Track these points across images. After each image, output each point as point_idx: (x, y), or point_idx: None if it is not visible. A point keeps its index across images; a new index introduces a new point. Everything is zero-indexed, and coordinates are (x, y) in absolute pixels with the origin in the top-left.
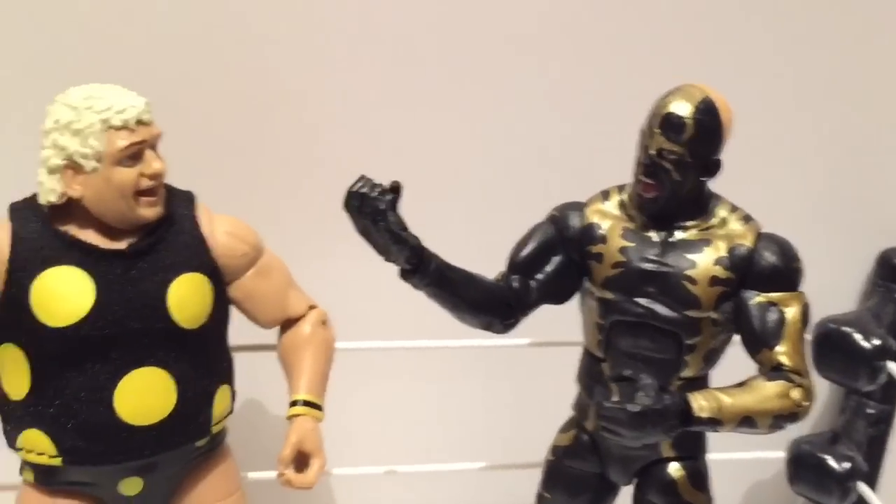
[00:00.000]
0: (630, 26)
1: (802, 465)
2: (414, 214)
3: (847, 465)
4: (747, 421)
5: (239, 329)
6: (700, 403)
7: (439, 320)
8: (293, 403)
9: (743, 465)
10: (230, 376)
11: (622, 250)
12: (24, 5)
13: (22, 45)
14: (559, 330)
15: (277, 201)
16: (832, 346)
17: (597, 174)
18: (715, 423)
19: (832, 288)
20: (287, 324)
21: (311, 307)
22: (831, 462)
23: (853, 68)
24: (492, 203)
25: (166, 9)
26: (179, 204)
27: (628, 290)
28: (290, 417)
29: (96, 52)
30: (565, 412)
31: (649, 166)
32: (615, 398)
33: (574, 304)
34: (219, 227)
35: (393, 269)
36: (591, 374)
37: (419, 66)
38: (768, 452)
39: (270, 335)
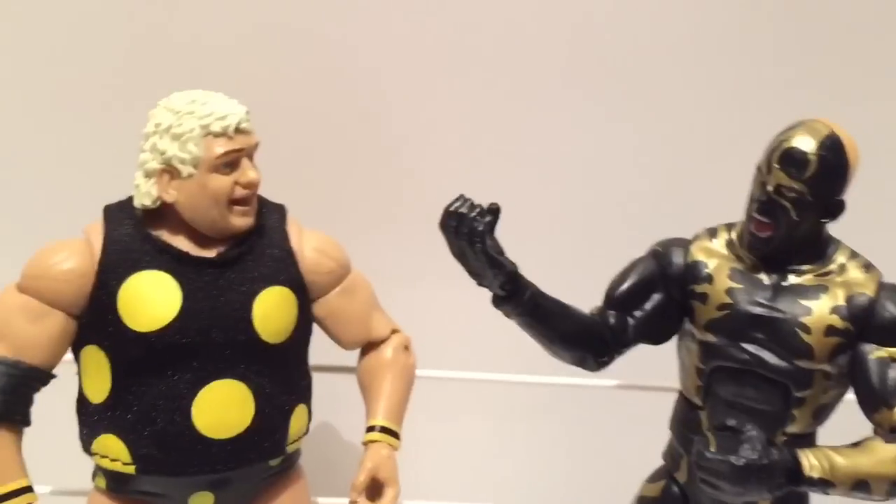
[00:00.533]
0: (738, 66)
1: None
2: (504, 243)
3: None
4: (861, 485)
5: (317, 349)
6: (811, 462)
7: (523, 355)
8: (370, 429)
9: None
10: (308, 396)
11: (729, 291)
12: (129, 17)
13: (127, 54)
14: (648, 372)
15: (366, 223)
16: None
17: (699, 212)
18: (826, 484)
19: None
20: (368, 346)
21: (394, 331)
22: None
23: None
24: (586, 236)
25: (272, 28)
26: (271, 216)
27: (734, 335)
28: (366, 443)
29: (199, 60)
30: (650, 460)
31: (765, 203)
32: (716, 449)
33: (665, 346)
34: (308, 243)
35: (479, 298)
36: (686, 423)
37: (519, 98)
38: None
39: (345, 357)
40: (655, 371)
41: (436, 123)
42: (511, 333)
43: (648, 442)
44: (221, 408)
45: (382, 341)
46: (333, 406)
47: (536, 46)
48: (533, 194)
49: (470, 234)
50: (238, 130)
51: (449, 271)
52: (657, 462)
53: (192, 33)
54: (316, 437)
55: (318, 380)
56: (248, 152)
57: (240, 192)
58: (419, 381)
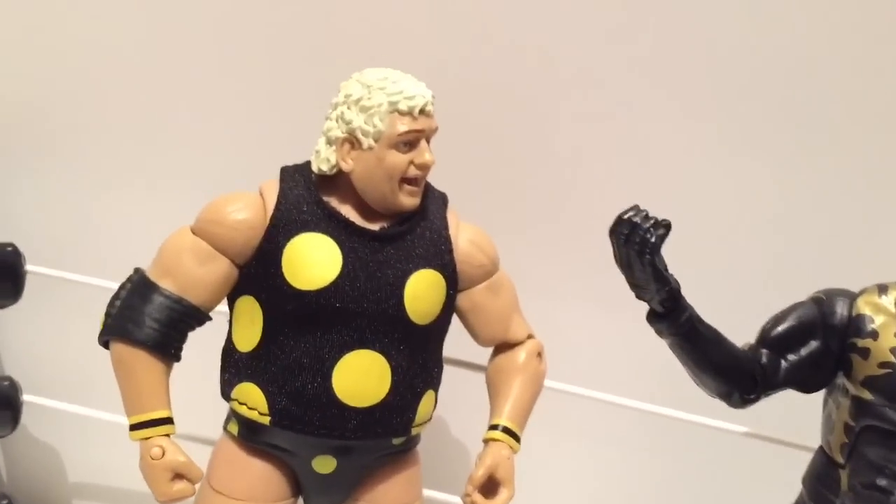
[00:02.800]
0: None
1: None
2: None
3: None
4: None
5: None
6: None
7: (651, 383)
8: (493, 427)
9: None
10: (437, 384)
11: (894, 350)
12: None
13: (326, 25)
14: (780, 424)
15: (516, 227)
16: None
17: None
18: None
19: None
20: (502, 346)
21: (530, 336)
22: None
23: None
24: (741, 275)
25: (459, 21)
26: (434, 202)
27: (892, 395)
28: (487, 441)
29: (391, 43)
30: None
31: None
32: None
33: (805, 402)
34: (464, 234)
35: (616, 321)
36: (822, 480)
37: (689, 120)
38: None
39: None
40: (791, 425)
41: (607, 140)
42: (644, 359)
43: (772, 491)
44: (360, 377)
45: (517, 344)
46: (448, 401)
47: (725, 66)
48: (699, 226)
49: (641, 244)
50: (422, 112)
51: (584, 290)
52: None
53: (389, 14)
54: (430, 429)
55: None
56: (428, 135)
57: (413, 171)
58: (548, 392)
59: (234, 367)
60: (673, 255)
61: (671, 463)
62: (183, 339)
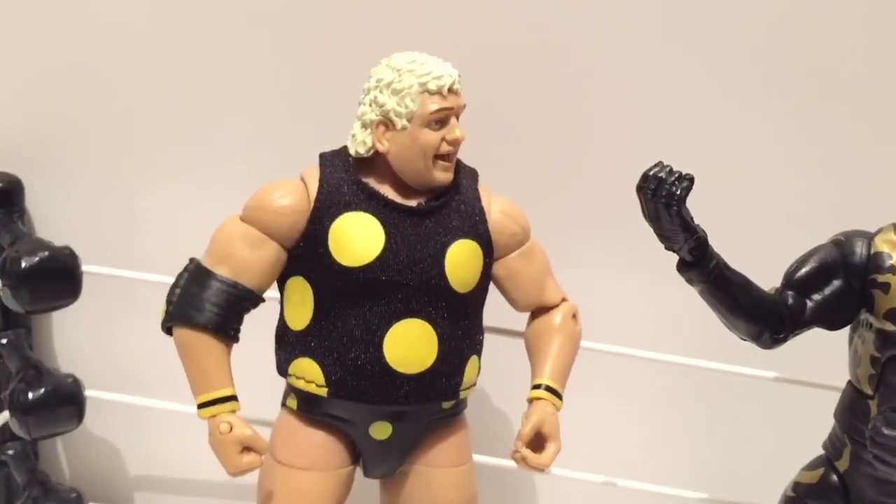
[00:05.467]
0: None
1: None
2: None
3: None
4: None
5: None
6: None
7: (683, 338)
8: (536, 386)
9: None
10: (480, 350)
11: None
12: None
13: (355, 14)
14: (809, 366)
15: (538, 198)
16: None
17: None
18: None
19: None
20: (539, 310)
21: (564, 299)
22: None
23: None
24: (764, 225)
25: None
26: (466, 176)
27: None
28: (532, 400)
29: (417, 30)
30: (804, 452)
31: None
32: (889, 424)
33: (831, 342)
34: (496, 205)
35: (646, 280)
36: (853, 411)
37: (706, 88)
38: None
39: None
40: (820, 366)
41: (623, 108)
42: (678, 315)
43: (806, 434)
44: (410, 344)
45: (552, 307)
46: (489, 369)
47: (736, 20)
48: (719, 178)
49: (668, 197)
50: (451, 91)
51: (618, 250)
52: (809, 453)
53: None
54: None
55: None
56: (457, 112)
57: (445, 147)
58: (584, 353)
59: (289, 344)
60: (697, 208)
61: (704, 413)
62: (240, 320)
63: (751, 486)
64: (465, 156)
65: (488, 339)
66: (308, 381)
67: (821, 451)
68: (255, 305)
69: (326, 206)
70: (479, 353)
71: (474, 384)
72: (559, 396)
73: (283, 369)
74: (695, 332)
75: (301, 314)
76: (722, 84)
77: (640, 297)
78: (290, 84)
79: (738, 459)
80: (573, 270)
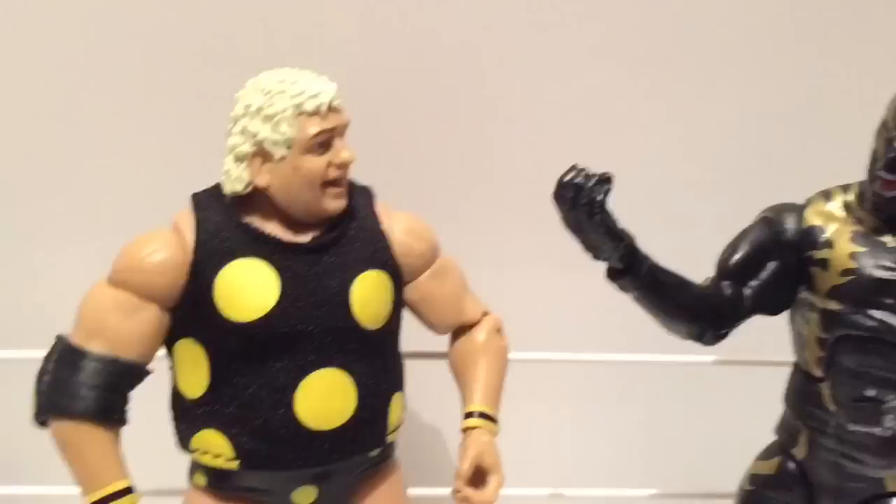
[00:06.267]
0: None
1: None
2: None
3: None
4: None
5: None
6: None
7: (616, 335)
8: (468, 415)
9: None
10: (403, 384)
11: (853, 256)
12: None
13: (206, 34)
14: (748, 347)
15: (449, 204)
16: None
17: (803, 177)
18: None
19: None
20: (460, 330)
21: (486, 314)
22: None
23: None
24: (690, 205)
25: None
26: (360, 198)
27: (859, 301)
28: (466, 430)
29: (279, 38)
30: (753, 437)
31: (893, 160)
32: (855, 420)
33: (764, 318)
34: (397, 225)
35: (567, 280)
36: (804, 396)
37: (608, 67)
38: None
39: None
40: (759, 345)
41: (524, 100)
42: (607, 313)
43: (754, 418)
44: (324, 398)
45: (474, 324)
46: (416, 395)
47: (632, 16)
48: (632, 170)
49: (589, 204)
50: (331, 109)
51: (529, 253)
52: (762, 438)
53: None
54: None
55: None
56: (341, 131)
57: (334, 172)
58: (514, 365)
59: (187, 415)
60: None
61: (645, 408)
62: (125, 400)
63: (701, 475)
64: (361, 173)
65: (413, 363)
66: (215, 456)
67: (772, 437)
68: (140, 379)
69: (207, 256)
70: (402, 388)
71: (402, 423)
72: (494, 421)
73: (184, 444)
74: (624, 325)
75: (196, 380)
76: (624, 68)
77: (562, 297)
78: (149, 112)
79: (686, 450)
80: (489, 279)
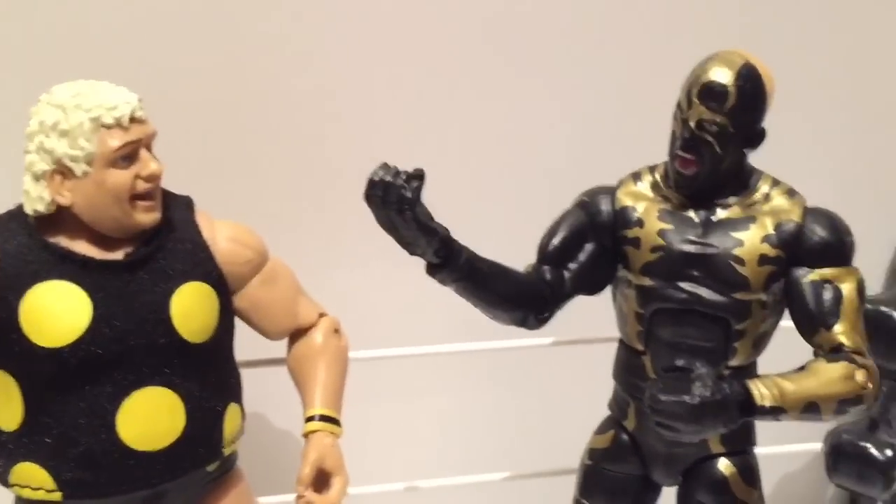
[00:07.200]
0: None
1: (843, 456)
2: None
3: (889, 452)
4: (811, 407)
5: (243, 344)
6: (761, 391)
7: (455, 325)
8: (309, 419)
9: (773, 458)
10: (239, 394)
11: (661, 233)
12: None
13: None
14: (583, 326)
15: (279, 207)
16: (870, 328)
17: (622, 158)
18: (778, 411)
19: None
20: (297, 334)
21: (322, 315)
22: (873, 451)
23: (876, 52)
24: (510, 194)
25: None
26: (177, 209)
27: (670, 276)
28: (307, 434)
29: (81, 47)
30: (595, 413)
31: (689, 140)
32: (667, 391)
33: (595, 298)
34: (220, 234)
35: (405, 274)
36: (630, 369)
37: (428, 62)
38: (805, 445)
39: (275, 349)
40: (588, 324)
41: (352, 98)
42: (442, 306)
43: (589, 394)
44: (149, 418)
45: (310, 327)
46: (264, 402)
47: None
48: (457, 162)
49: (399, 202)
50: (133, 120)
51: (368, 250)
52: (600, 413)
53: (79, 17)
54: (250, 436)
55: (245, 376)
56: (146, 142)
57: (142, 185)
58: (352, 364)
59: (4, 449)
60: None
61: (492, 394)
62: None
63: (551, 454)
64: (179, 184)
65: (257, 371)
66: (35, 489)
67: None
68: None
69: (9, 281)
70: (238, 399)
71: (241, 433)
72: (337, 422)
73: (2, 479)
74: (464, 315)
75: (10, 412)
76: (456, 63)
77: (401, 292)
78: None
79: (534, 431)
80: (327, 280)
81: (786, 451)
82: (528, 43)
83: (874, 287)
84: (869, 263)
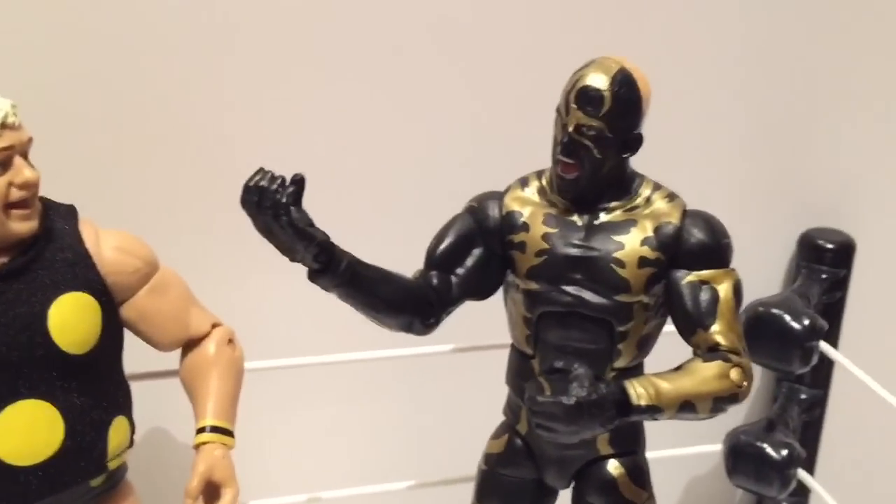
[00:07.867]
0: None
1: (740, 456)
2: (319, 216)
3: (785, 452)
4: (687, 406)
5: (136, 355)
6: (637, 391)
7: (356, 333)
8: (199, 430)
9: (678, 461)
10: (127, 407)
11: (545, 237)
12: None
13: None
14: (483, 333)
15: (168, 215)
16: (763, 330)
17: (513, 163)
18: (654, 410)
19: (756, 272)
20: (189, 345)
21: (215, 325)
22: (769, 450)
23: (773, 46)
24: (403, 199)
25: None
26: (58, 218)
27: (554, 279)
28: (197, 446)
29: None
30: (497, 419)
31: (568, 144)
32: (547, 392)
33: (495, 304)
34: (106, 243)
35: (300, 282)
36: (520, 373)
37: (313, 62)
38: (705, 447)
39: (172, 361)
40: (488, 331)
41: (237, 100)
42: (339, 314)
43: (490, 400)
44: (25, 431)
45: (203, 337)
46: (159, 414)
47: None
48: (338, 167)
49: (274, 207)
50: (5, 126)
51: (263, 258)
52: (501, 418)
53: None
54: (144, 448)
55: (138, 389)
56: (21, 149)
57: (16, 193)
58: (250, 375)
59: None
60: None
61: (396, 402)
62: None
63: (453, 461)
64: (64, 192)
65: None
66: None
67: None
68: None
69: None
70: (126, 412)
71: (129, 446)
72: (229, 433)
73: None
74: (363, 323)
75: None
76: (353, 64)
77: (299, 300)
78: None
79: (437, 438)
80: (224, 289)
81: (690, 452)
82: (417, 46)
83: (773, 288)
84: (767, 264)
